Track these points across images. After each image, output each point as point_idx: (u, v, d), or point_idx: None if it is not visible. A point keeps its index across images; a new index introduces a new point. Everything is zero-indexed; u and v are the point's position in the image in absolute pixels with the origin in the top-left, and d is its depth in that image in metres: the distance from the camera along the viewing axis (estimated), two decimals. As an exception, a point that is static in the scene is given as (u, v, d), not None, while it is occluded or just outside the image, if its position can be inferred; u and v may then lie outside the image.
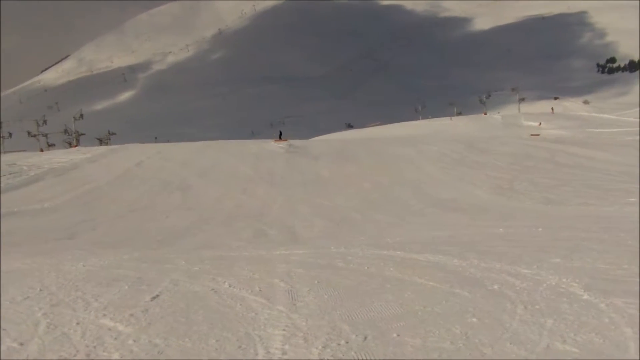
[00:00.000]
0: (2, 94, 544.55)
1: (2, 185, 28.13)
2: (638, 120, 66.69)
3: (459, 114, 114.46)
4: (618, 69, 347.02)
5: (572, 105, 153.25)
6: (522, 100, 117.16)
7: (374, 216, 21.09)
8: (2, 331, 6.24)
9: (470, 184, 28.63)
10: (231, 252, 12.31)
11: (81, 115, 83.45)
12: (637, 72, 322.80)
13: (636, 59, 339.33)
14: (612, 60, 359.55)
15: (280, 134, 70.03)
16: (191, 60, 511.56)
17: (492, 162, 34.71)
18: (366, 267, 9.45)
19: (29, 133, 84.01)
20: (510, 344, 5.47)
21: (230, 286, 8.25)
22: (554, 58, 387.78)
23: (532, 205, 21.94)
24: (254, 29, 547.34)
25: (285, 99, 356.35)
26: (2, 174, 30.50)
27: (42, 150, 59.33)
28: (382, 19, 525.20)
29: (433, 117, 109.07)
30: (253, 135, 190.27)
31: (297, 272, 9.18)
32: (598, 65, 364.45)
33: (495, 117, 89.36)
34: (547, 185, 26.85)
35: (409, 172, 32.77)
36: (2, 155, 47.19)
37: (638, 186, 23.31)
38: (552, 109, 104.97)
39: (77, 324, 6.47)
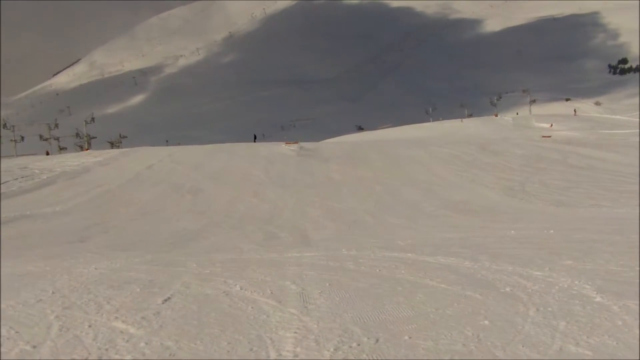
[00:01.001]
0: (14, 98, 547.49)
1: (14, 188, 28.26)
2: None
3: (470, 115, 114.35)
4: (630, 69, 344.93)
5: (583, 107, 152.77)
6: (533, 101, 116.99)
7: (385, 218, 21.08)
8: (15, 334, 6.28)
9: (482, 185, 28.59)
10: (242, 255, 12.34)
11: (92, 119, 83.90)
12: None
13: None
14: (624, 61, 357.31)
15: (255, 137, 70.21)
16: (202, 63, 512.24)
17: (504, 164, 34.65)
18: (378, 270, 9.45)
19: (40, 137, 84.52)
20: (523, 346, 5.45)
21: (241, 289, 8.26)
22: (565, 59, 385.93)
23: (544, 207, 21.90)
24: (264, 31, 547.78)
25: (295, 102, 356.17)
26: (14, 177, 30.63)
27: (48, 154, 59.56)
28: (392, 21, 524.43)
29: (444, 119, 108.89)
30: (264, 137, 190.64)
31: (309, 275, 9.19)
32: (610, 66, 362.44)
33: (506, 118, 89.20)
34: (559, 187, 26.80)
35: (420, 174, 32.73)
36: (14, 158, 47.39)
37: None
38: (574, 110, 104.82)
39: (89, 326, 6.49)
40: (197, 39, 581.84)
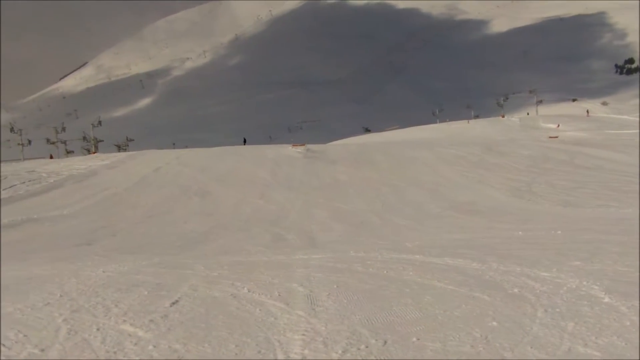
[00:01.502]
0: (22, 102, 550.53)
1: (21, 192, 28.37)
2: None
3: (476, 116, 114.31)
4: (636, 69, 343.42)
5: (590, 107, 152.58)
6: (539, 102, 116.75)
7: (392, 220, 21.05)
8: (23, 337, 6.30)
9: (489, 186, 28.54)
10: (250, 257, 12.33)
11: (99, 122, 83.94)
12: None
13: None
14: (631, 61, 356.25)
15: (245, 141, 70.42)
16: (209, 65, 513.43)
17: (511, 165, 34.59)
18: (385, 271, 9.44)
19: (47, 140, 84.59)
20: (531, 347, 5.44)
21: (249, 291, 8.26)
22: (572, 59, 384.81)
23: (551, 208, 21.85)
24: (270, 33, 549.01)
25: (302, 104, 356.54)
26: (21, 181, 30.74)
27: (51, 157, 59.66)
28: (398, 23, 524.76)
29: (450, 120, 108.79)
30: (270, 140, 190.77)
31: (316, 277, 9.18)
32: (616, 66, 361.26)
33: (513, 119, 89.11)
34: (566, 188, 26.74)
35: (427, 175, 32.71)
36: (21, 162, 47.58)
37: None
38: (587, 111, 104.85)
39: (98, 329, 6.51)
40: (203, 41, 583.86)
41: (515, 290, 7.68)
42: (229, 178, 32.47)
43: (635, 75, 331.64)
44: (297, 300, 7.64)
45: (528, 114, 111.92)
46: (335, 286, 8.41)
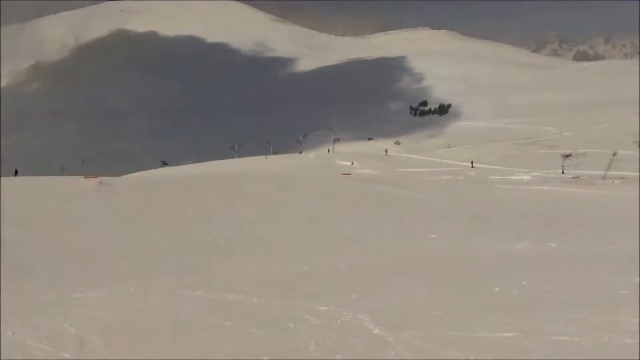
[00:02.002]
0: None
1: None
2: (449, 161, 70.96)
3: (275, 152, 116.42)
4: (429, 112, 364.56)
5: (384, 146, 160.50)
6: (337, 140, 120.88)
7: (179, 254, 20.67)
8: None
9: (280, 221, 28.83)
10: (26, 297, 11.65)
11: None
12: (447, 115, 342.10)
13: (446, 103, 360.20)
14: (424, 103, 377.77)
15: (16, 172, 67.00)
16: (4, 91, 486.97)
17: (304, 200, 35.23)
18: (165, 309, 9.25)
19: None
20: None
21: (13, 334, 7.75)
22: (372, 100, 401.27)
23: (338, 243, 22.39)
24: (74, 61, 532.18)
25: (100, 134, 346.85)
26: None
27: None
28: (207, 56, 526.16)
29: (249, 155, 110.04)
30: (62, 171, 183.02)
31: (91, 316, 8.80)
32: (411, 107, 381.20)
33: (310, 156, 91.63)
34: (355, 223, 27.60)
35: (220, 209, 32.37)
36: None
37: (441, 223, 24.50)
38: (386, 150, 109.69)
39: None
40: (3, 64, 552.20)
41: (291, 324, 7.79)
42: (13, 212, 30.62)
43: (428, 117, 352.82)
44: (66, 343, 7.26)
45: (329, 151, 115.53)
46: (108, 326, 8.08)
